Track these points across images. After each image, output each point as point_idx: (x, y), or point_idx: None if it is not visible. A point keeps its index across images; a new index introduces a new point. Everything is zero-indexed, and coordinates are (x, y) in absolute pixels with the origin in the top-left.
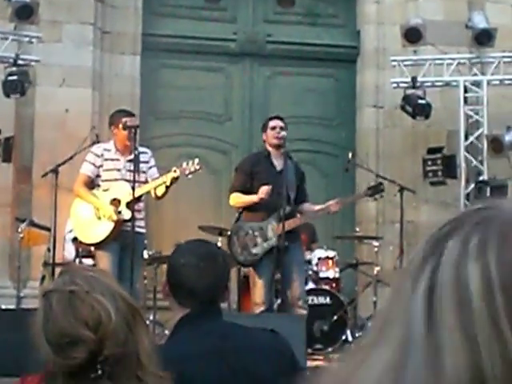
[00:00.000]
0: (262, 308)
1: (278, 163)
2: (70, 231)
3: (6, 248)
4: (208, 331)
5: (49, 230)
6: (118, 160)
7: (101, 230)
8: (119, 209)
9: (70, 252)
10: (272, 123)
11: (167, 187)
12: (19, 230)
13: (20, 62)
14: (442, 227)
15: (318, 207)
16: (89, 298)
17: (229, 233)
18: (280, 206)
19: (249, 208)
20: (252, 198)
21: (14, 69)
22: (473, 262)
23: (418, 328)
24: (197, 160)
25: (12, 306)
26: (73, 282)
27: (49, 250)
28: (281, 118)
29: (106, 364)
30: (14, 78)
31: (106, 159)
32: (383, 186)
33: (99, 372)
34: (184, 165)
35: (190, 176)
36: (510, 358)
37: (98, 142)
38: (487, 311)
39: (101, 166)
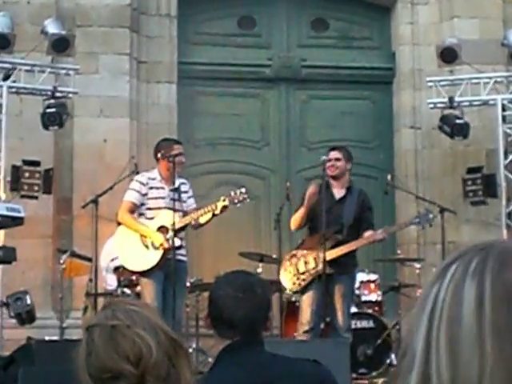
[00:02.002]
0: (306, 328)
1: (338, 192)
2: (112, 260)
3: (48, 279)
4: (249, 362)
5: (90, 260)
6: (162, 188)
7: (148, 258)
8: (167, 236)
9: (110, 282)
10: (329, 155)
11: (214, 215)
12: (61, 261)
13: (58, 94)
14: (450, 255)
15: (365, 236)
16: (130, 333)
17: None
18: (334, 233)
19: (309, 233)
20: (301, 209)
21: (52, 101)
22: (470, 281)
23: (419, 346)
24: (244, 189)
25: (55, 337)
26: (114, 316)
27: (91, 280)
28: (339, 149)
29: None
30: (53, 110)
31: (152, 188)
32: (433, 216)
33: None
34: (232, 193)
35: (238, 205)
36: (485, 368)
37: (138, 172)
38: (476, 327)
39: (146, 194)
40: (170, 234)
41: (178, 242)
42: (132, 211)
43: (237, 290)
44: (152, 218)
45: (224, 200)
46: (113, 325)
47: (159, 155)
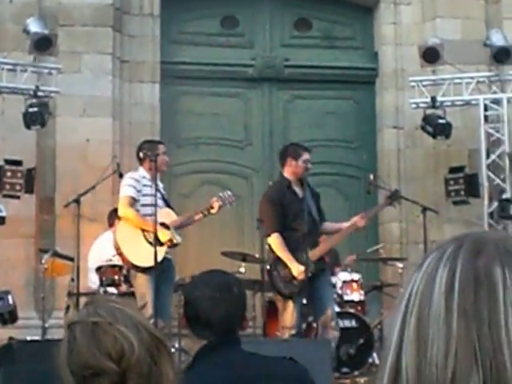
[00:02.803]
0: (292, 332)
1: (298, 190)
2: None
3: (30, 279)
4: (226, 361)
5: (72, 259)
6: (151, 187)
7: (152, 254)
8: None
9: (93, 282)
10: (306, 156)
11: (209, 215)
12: (43, 260)
13: (40, 93)
14: (431, 249)
15: (344, 225)
16: (112, 329)
17: (268, 267)
18: (311, 232)
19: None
20: (292, 263)
21: (34, 100)
22: (443, 267)
23: (394, 337)
24: (229, 192)
25: (37, 337)
26: (96, 313)
27: (73, 279)
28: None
29: None
30: (35, 109)
31: (145, 185)
32: (400, 192)
33: None
34: (221, 195)
35: (228, 206)
36: (451, 350)
37: (120, 172)
38: (444, 309)
39: (140, 191)
40: (172, 230)
41: (179, 239)
42: (132, 206)
43: (213, 290)
44: (146, 215)
45: (217, 201)
46: (94, 322)
47: (141, 155)
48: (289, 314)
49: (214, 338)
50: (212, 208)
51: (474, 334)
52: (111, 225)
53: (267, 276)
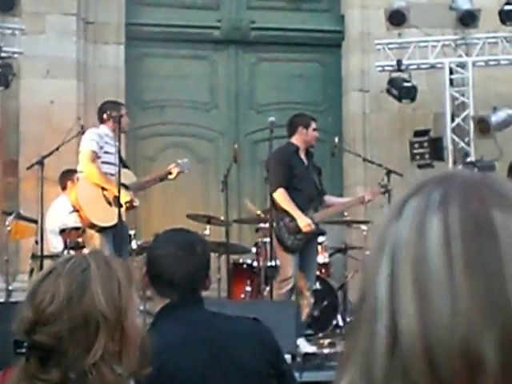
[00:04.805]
0: (290, 285)
1: (304, 159)
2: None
3: None
4: (189, 320)
5: (36, 222)
6: (113, 146)
7: (111, 214)
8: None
9: (54, 245)
10: (314, 125)
11: (166, 179)
12: (6, 223)
13: (3, 54)
14: (407, 190)
15: (346, 199)
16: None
17: (274, 222)
18: (313, 198)
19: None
20: (298, 214)
21: None
22: (433, 215)
23: (381, 292)
24: (186, 159)
25: (1, 300)
26: (80, 258)
27: (36, 242)
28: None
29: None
30: None
31: (107, 142)
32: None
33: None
34: (179, 161)
35: (186, 171)
36: (459, 309)
37: (83, 133)
38: (444, 265)
39: (102, 147)
40: (131, 192)
41: (137, 202)
42: (94, 161)
43: (177, 248)
44: (107, 174)
45: (176, 166)
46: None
47: (105, 116)
48: (288, 267)
49: (176, 297)
50: (170, 174)
51: (481, 289)
52: (64, 188)
53: (275, 230)
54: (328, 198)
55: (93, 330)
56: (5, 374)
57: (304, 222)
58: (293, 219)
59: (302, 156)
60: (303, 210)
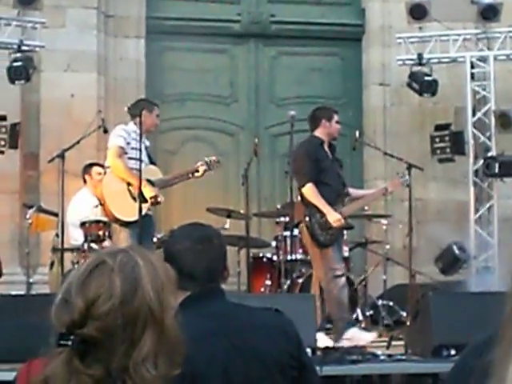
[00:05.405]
0: (339, 272)
1: (328, 152)
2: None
3: (15, 235)
4: (210, 312)
5: (56, 215)
6: (139, 142)
7: (135, 209)
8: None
9: (75, 238)
10: (337, 117)
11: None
12: (27, 216)
13: (24, 47)
14: None
15: (369, 191)
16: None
17: (306, 218)
18: (340, 191)
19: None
20: (328, 210)
21: (19, 55)
22: None
23: None
24: (214, 157)
25: (22, 292)
26: (124, 252)
27: (57, 235)
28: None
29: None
30: (19, 64)
31: (134, 139)
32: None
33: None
34: (207, 159)
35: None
36: None
37: (105, 127)
38: None
39: (129, 143)
40: (156, 188)
41: (162, 198)
42: (121, 156)
43: (195, 242)
44: (132, 169)
45: (203, 165)
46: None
47: (144, 112)
48: (332, 257)
49: (196, 290)
50: (197, 171)
51: None
52: (85, 181)
53: (306, 226)
54: (352, 191)
55: (140, 328)
56: (29, 366)
57: (334, 218)
58: (323, 215)
59: (326, 149)
60: (332, 204)
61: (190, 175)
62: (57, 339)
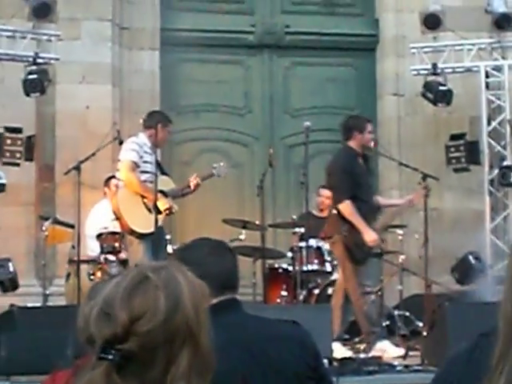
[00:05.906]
0: (370, 288)
1: (362, 163)
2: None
3: (31, 247)
4: (228, 323)
5: (72, 227)
6: (151, 155)
7: (151, 221)
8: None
9: (92, 249)
10: (370, 127)
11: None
12: (43, 228)
13: (39, 60)
14: None
15: (397, 201)
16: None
17: (344, 233)
18: (375, 208)
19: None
20: (365, 229)
21: (34, 67)
22: None
23: None
24: (222, 163)
25: (38, 304)
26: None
27: (73, 247)
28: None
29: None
30: (34, 76)
31: (145, 152)
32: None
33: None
34: (215, 165)
35: (223, 176)
36: None
37: (120, 139)
38: None
39: (141, 157)
40: (169, 199)
41: (176, 208)
42: (134, 171)
43: (208, 254)
44: (146, 182)
45: (195, 178)
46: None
47: (160, 126)
48: (362, 275)
49: (215, 300)
50: (188, 187)
51: None
52: (105, 193)
53: (342, 241)
54: (380, 200)
55: (178, 345)
56: (54, 377)
57: (371, 237)
58: (359, 232)
59: (361, 161)
60: (367, 220)
61: (188, 189)
62: (98, 352)
